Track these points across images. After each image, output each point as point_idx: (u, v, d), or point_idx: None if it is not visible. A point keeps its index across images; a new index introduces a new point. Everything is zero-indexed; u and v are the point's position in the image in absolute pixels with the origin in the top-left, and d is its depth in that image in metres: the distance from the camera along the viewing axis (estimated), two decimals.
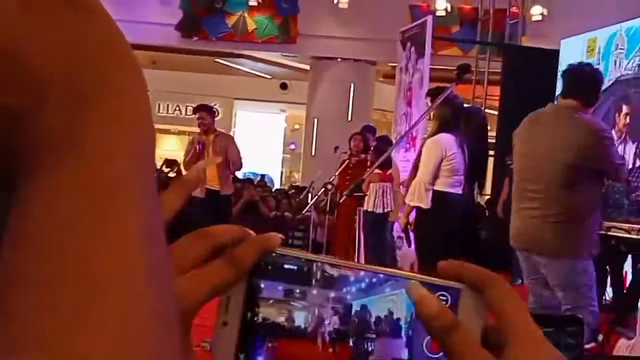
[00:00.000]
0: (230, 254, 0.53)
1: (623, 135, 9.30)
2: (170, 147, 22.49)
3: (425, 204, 5.71)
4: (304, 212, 9.32)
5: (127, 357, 0.33)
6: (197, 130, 8.87)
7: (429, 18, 10.57)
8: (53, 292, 0.33)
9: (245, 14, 15.67)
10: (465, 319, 0.52)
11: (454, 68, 5.61)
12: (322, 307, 0.53)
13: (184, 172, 9.06)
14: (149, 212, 0.36)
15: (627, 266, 7.28)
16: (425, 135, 6.57)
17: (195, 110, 8.82)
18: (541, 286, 4.46)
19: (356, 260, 7.23)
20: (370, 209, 8.40)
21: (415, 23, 11.16)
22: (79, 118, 0.35)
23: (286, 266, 0.54)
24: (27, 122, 0.35)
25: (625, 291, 6.11)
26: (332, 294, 0.54)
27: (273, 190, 15.38)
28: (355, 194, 6.16)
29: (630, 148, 8.93)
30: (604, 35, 9.77)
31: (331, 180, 8.84)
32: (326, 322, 0.54)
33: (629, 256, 7.19)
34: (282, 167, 22.29)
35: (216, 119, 20.36)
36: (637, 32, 9.19)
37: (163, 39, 15.86)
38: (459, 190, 6.07)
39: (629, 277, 7.20)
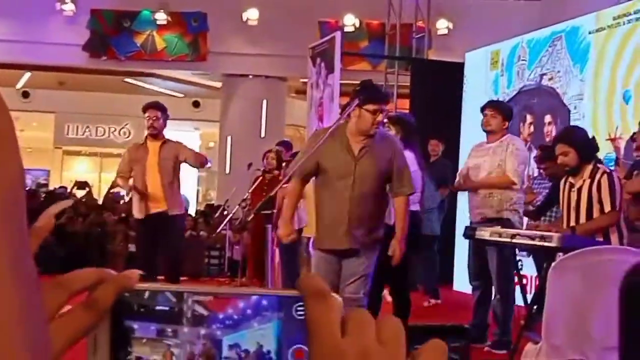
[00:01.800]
0: (88, 297, 0.54)
1: (528, 144, 9.58)
2: (81, 169, 22.06)
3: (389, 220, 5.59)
4: (218, 230, 9.26)
5: None
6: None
7: (338, 34, 10.69)
8: None
9: (154, 33, 15.54)
10: None
11: None
12: (193, 344, 0.55)
13: (120, 186, 7.70)
14: (19, 259, 0.36)
15: (533, 270, 7.49)
16: None
17: (145, 109, 7.37)
18: None
19: (268, 277, 7.23)
20: None
21: (324, 39, 11.28)
22: None
23: (158, 307, 0.56)
24: None
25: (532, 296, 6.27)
26: (203, 331, 0.55)
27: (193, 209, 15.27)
28: (265, 211, 6.17)
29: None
30: (507, 47, 10.06)
31: (245, 197, 8.82)
32: (198, 358, 0.55)
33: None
34: (198, 185, 22.12)
35: (128, 139, 20.26)
36: (537, 44, 9.50)
37: (70, 60, 15.58)
38: (417, 207, 6.25)
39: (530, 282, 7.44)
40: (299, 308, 0.54)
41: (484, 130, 6.41)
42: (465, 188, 6.53)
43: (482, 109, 6.46)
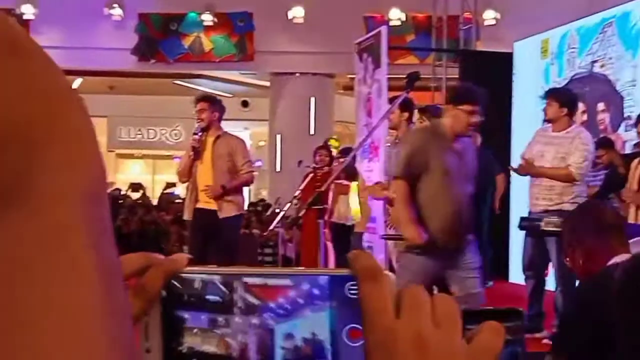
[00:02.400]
0: (137, 283, 0.54)
1: None
2: (134, 172, 22.37)
3: None
4: (270, 228, 9.30)
5: None
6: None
7: (383, 28, 10.63)
8: (5, 346, 0.32)
9: (201, 35, 15.66)
10: None
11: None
12: (245, 334, 0.55)
13: (180, 188, 7.44)
14: (102, 251, 0.36)
15: None
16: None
17: (196, 102, 6.86)
18: None
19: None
20: (340, 222, 8.45)
21: (370, 34, 11.23)
22: (27, 164, 0.34)
23: (209, 297, 0.56)
24: None
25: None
26: (254, 320, 0.55)
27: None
28: (315, 206, 6.16)
29: None
30: (556, 35, 9.92)
31: (296, 194, 8.86)
32: (250, 347, 0.55)
33: None
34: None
35: (179, 140, 20.44)
36: (588, 31, 9.34)
37: (120, 64, 15.80)
38: None
39: None
40: (351, 287, 0.54)
41: (545, 120, 6.41)
42: (526, 173, 6.43)
43: (544, 97, 6.48)
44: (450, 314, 0.52)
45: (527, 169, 6.25)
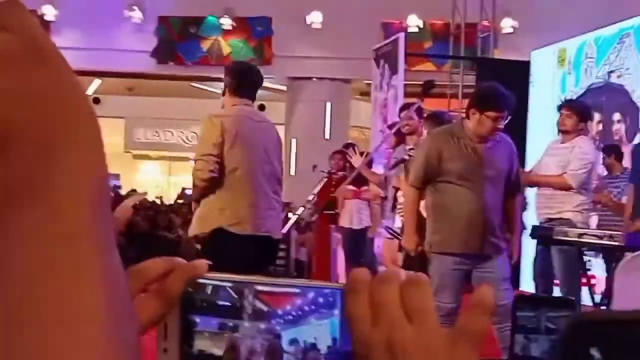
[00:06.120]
0: (159, 286, 0.57)
1: (596, 143, 9.41)
2: (149, 174, 22.47)
3: None
4: (283, 231, 9.31)
5: None
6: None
7: (401, 35, 10.68)
8: (8, 343, 0.34)
9: (220, 38, 15.74)
10: None
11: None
12: (253, 338, 0.58)
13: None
14: (107, 256, 0.38)
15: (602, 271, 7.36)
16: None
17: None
18: None
19: (334, 276, 7.25)
20: (347, 226, 8.46)
21: (388, 40, 11.27)
22: (41, 167, 0.36)
23: (220, 302, 0.59)
24: None
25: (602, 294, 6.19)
26: (263, 326, 0.58)
27: None
28: (327, 211, 6.15)
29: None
30: (574, 45, 9.89)
31: (310, 199, 8.87)
32: (258, 351, 0.58)
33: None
34: None
35: (195, 143, 20.47)
36: (606, 41, 9.32)
37: (139, 66, 15.88)
38: None
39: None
40: None
41: (559, 130, 6.33)
42: (526, 183, 6.35)
43: (559, 108, 6.37)
44: (421, 305, 0.52)
45: (525, 178, 6.21)
